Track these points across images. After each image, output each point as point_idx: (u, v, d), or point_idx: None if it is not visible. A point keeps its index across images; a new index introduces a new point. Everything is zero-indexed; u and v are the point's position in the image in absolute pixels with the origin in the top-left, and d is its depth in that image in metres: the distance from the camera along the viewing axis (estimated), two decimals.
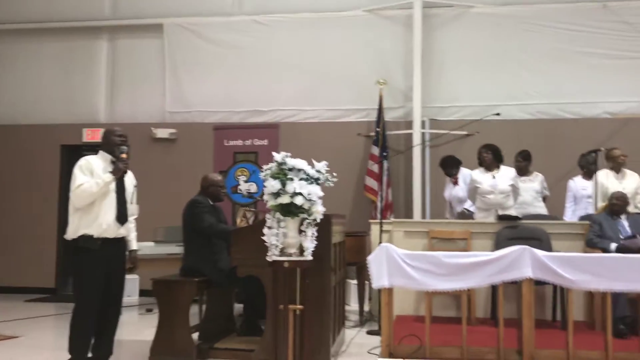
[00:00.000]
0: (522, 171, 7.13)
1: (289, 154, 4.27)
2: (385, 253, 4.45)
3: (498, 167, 6.63)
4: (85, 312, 4.34)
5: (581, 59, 8.32)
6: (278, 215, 4.19)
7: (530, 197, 7.07)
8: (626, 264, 4.31)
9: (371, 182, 8.20)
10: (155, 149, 9.16)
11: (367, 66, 8.74)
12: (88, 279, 4.33)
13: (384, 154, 8.14)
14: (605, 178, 6.58)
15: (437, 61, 8.67)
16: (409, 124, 8.58)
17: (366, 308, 7.06)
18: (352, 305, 7.40)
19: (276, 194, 4.15)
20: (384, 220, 6.55)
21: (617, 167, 6.64)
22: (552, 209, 7.22)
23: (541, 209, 7.09)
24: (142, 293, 8.45)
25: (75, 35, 9.57)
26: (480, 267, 4.35)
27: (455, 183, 7.33)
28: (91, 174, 4.36)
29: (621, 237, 5.61)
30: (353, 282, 7.33)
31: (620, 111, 8.24)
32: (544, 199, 7.19)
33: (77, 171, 4.36)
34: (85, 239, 4.33)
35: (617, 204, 5.81)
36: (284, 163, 4.26)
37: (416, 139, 8.38)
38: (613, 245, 5.52)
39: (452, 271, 4.38)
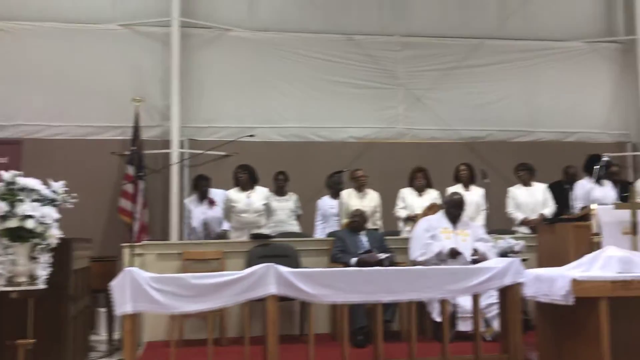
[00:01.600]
0: (282, 191, 7.41)
1: (20, 172, 3.94)
2: (129, 277, 4.23)
3: (253, 187, 6.79)
4: None
5: (330, 86, 8.93)
6: (5, 240, 3.81)
7: (286, 215, 7.35)
8: (361, 276, 4.61)
9: (125, 204, 7.85)
10: None
11: (123, 82, 8.42)
12: None
13: (140, 173, 7.86)
14: (348, 197, 7.07)
15: (196, 81, 8.67)
16: (166, 144, 8.42)
17: (117, 336, 6.69)
18: (103, 334, 6.97)
19: (3, 217, 3.79)
20: (135, 243, 6.29)
21: (359, 186, 7.17)
22: (306, 227, 7.57)
23: (295, 227, 7.39)
24: None
25: None
26: (227, 286, 4.34)
27: (212, 203, 7.29)
28: None
29: (360, 251, 6.04)
30: (103, 310, 6.91)
31: (364, 136, 8.98)
32: (298, 217, 7.52)
33: None
34: None
35: (356, 221, 6.27)
36: (13, 182, 3.90)
37: (174, 159, 8.24)
38: (353, 260, 5.92)
39: (200, 292, 4.31)
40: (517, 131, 9.30)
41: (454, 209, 6.16)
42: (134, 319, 4.25)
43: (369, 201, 7.06)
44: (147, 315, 5.96)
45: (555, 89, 9.43)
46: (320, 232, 7.49)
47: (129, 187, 7.80)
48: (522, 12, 9.47)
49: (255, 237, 6.40)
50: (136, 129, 8.04)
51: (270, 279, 4.41)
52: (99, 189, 7.96)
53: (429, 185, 7.30)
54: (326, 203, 7.43)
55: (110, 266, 6.42)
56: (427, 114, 9.06)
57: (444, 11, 9.34)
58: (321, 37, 9.01)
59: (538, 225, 6.37)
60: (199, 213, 7.24)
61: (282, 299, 4.67)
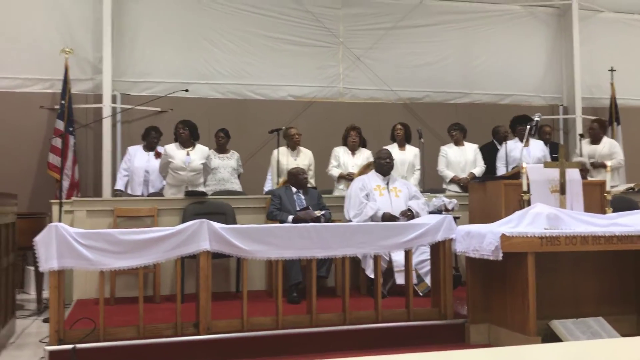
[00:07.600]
0: (223, 148, 7.26)
1: None
2: (55, 232, 4.08)
3: (193, 145, 6.60)
4: None
5: (269, 43, 8.74)
6: None
7: (228, 173, 7.23)
8: (296, 232, 4.59)
9: (54, 159, 7.55)
10: None
11: (52, 32, 8.02)
12: None
13: (70, 128, 7.57)
14: (281, 155, 6.98)
15: (129, 34, 8.34)
16: (98, 98, 8.10)
17: (46, 295, 6.50)
18: (32, 293, 6.77)
19: None
20: (64, 200, 6.08)
21: (292, 144, 7.08)
22: (245, 185, 7.48)
23: (237, 185, 7.30)
24: None
25: None
26: (158, 242, 4.25)
27: (159, 155, 7.04)
28: None
29: (297, 209, 6.02)
30: (31, 268, 6.70)
31: (303, 95, 8.87)
32: (239, 176, 7.42)
33: None
34: None
35: (303, 178, 6.23)
36: None
37: (106, 113, 7.95)
38: (290, 217, 5.90)
39: (129, 248, 4.21)
40: (453, 93, 9.40)
41: (383, 160, 6.17)
42: (61, 275, 4.12)
43: (302, 159, 6.99)
44: (77, 272, 5.81)
45: (492, 52, 9.55)
46: (270, 186, 7.35)
47: (58, 143, 7.48)
48: None
49: (190, 194, 6.28)
50: (66, 82, 7.69)
51: (203, 235, 4.34)
52: (28, 144, 7.68)
53: (362, 144, 7.30)
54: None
55: (38, 223, 6.19)
56: (367, 73, 9.01)
57: None
58: None
59: (469, 184, 6.48)
60: (142, 160, 7.13)
61: (218, 256, 4.62)
